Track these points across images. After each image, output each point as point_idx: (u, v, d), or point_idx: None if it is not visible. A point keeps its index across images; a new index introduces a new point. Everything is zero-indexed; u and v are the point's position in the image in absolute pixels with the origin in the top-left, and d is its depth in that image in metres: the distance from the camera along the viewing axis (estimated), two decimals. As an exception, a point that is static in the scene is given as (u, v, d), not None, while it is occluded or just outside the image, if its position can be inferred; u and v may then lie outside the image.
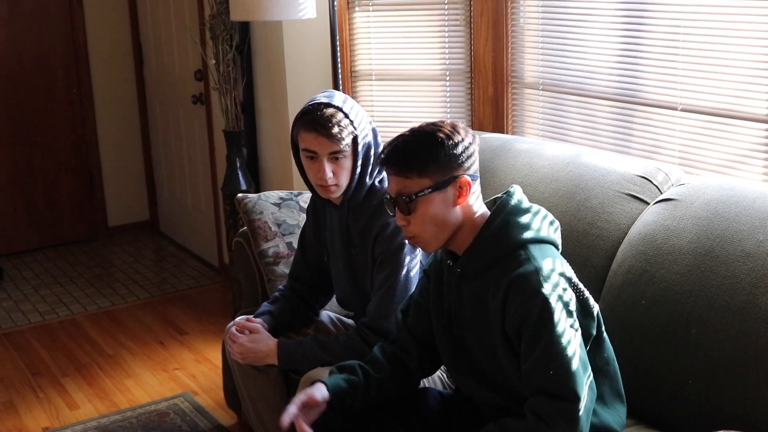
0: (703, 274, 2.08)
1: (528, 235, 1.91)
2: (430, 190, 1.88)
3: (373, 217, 2.43)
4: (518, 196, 1.98)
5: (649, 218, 2.30)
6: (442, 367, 2.34)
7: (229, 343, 2.51)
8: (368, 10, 3.66)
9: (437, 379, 2.39)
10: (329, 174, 2.36)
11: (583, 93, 3.07)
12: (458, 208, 1.92)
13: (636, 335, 2.16)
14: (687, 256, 2.13)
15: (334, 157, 2.36)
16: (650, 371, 2.11)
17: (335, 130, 2.32)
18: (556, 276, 1.85)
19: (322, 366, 2.39)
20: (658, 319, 2.13)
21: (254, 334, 2.49)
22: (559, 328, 1.79)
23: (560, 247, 2.00)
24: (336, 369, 2.15)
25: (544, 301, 1.80)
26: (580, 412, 1.77)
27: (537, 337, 1.79)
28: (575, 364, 1.79)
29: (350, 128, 2.36)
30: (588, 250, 2.39)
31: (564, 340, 1.79)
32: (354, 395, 2.10)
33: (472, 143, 1.94)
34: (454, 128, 1.93)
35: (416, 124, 1.98)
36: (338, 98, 2.41)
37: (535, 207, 1.99)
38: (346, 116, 2.36)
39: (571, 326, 1.82)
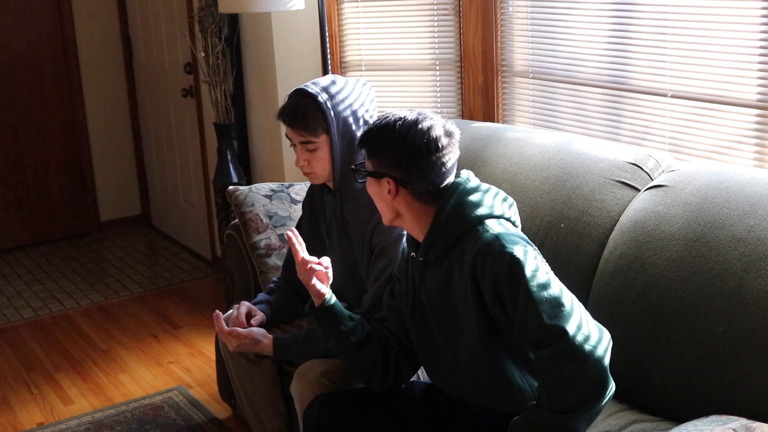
0: (694, 259, 2.08)
1: (482, 211, 1.92)
2: (366, 174, 2.01)
3: (370, 208, 2.43)
4: (466, 176, 2.00)
5: (640, 205, 2.31)
6: None
7: (226, 337, 2.49)
8: (357, 1, 3.65)
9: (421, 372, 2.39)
10: (302, 162, 2.43)
11: (573, 81, 3.07)
12: (394, 202, 1.97)
13: (627, 321, 2.16)
14: (678, 242, 2.13)
15: (305, 147, 2.40)
16: (641, 357, 2.12)
17: (300, 123, 2.37)
18: (518, 238, 1.86)
19: (318, 358, 2.40)
20: (649, 305, 2.13)
21: (250, 328, 2.48)
22: (531, 274, 1.77)
23: (518, 224, 2.00)
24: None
25: (511, 257, 1.78)
26: (581, 345, 1.70)
27: (514, 292, 1.77)
28: (561, 302, 1.75)
29: (319, 120, 2.36)
30: (579, 237, 2.39)
31: (540, 283, 1.76)
32: (344, 320, 2.15)
33: (428, 157, 1.92)
34: (417, 135, 1.93)
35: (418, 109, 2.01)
36: (322, 83, 2.42)
37: (485, 185, 2.00)
38: (319, 107, 2.36)
39: (545, 271, 1.81)
